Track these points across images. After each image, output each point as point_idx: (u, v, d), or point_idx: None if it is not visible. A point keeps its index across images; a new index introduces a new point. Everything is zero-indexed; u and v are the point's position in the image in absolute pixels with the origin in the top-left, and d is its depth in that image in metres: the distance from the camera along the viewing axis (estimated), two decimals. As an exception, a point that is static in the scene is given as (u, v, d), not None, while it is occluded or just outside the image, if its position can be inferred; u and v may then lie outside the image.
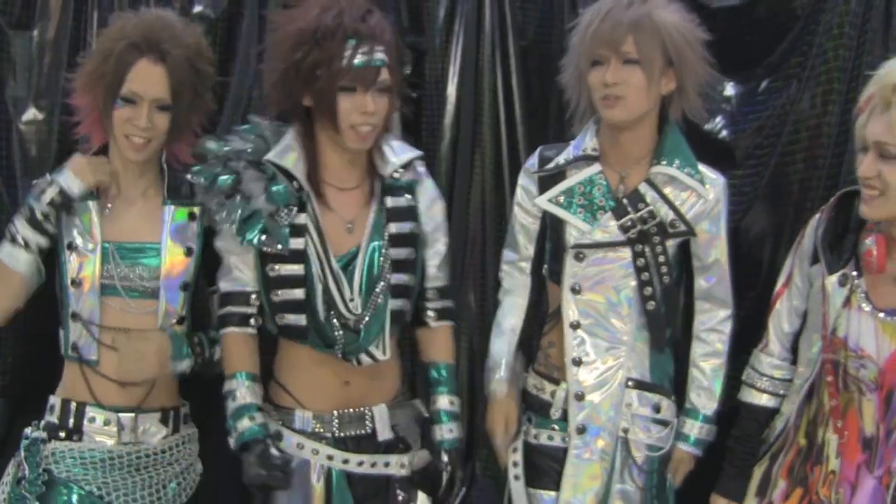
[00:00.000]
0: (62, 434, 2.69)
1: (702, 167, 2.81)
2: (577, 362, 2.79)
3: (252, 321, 2.73)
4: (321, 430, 2.73)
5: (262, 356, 2.81)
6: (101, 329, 2.68)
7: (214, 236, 2.76)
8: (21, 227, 2.68)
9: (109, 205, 2.71)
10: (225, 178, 2.63)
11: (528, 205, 2.89)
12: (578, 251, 2.77)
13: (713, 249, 2.83)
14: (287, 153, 2.67)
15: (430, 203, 2.85)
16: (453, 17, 3.51)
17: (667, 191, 2.77)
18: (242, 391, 2.68)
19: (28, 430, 2.74)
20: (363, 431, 2.75)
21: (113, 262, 2.67)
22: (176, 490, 2.78)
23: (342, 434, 2.73)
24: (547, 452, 2.84)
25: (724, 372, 2.87)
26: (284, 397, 2.77)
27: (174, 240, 2.73)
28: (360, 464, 2.73)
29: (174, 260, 2.73)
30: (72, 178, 2.66)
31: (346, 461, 2.71)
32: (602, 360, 2.79)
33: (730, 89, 3.37)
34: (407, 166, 2.78)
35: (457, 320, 2.95)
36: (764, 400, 2.77)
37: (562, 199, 2.80)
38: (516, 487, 2.85)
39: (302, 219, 2.66)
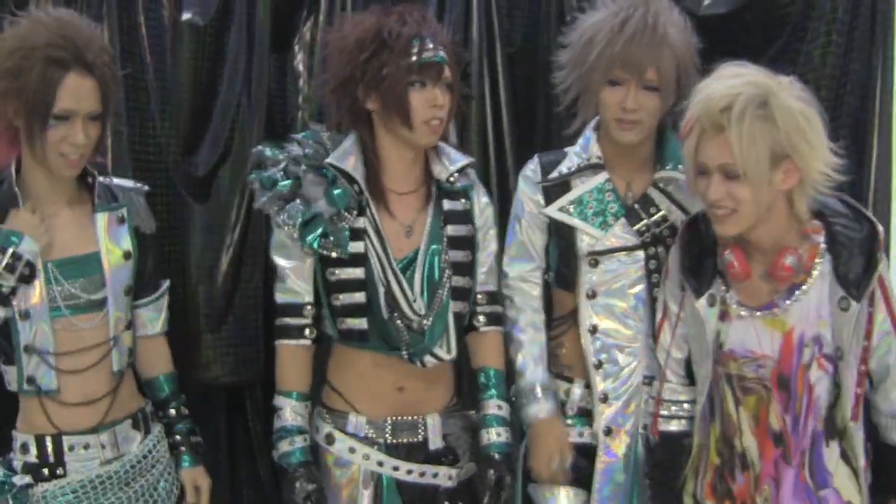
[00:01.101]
0: (45, 472, 2.61)
1: None
2: (598, 366, 2.83)
3: (307, 332, 2.74)
4: (374, 436, 2.74)
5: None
6: (57, 356, 2.58)
7: (141, 239, 2.75)
8: None
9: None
10: (285, 183, 2.66)
11: (535, 214, 2.90)
12: (593, 258, 2.82)
13: None
14: (347, 157, 2.69)
15: (483, 208, 2.86)
16: (441, 22, 3.51)
17: (673, 192, 2.83)
18: (288, 412, 2.72)
19: (0, 473, 2.63)
20: (415, 440, 2.76)
21: (55, 282, 2.57)
22: (166, 487, 2.76)
23: (394, 441, 2.74)
24: None
25: None
26: (338, 401, 2.78)
27: (112, 245, 2.67)
28: (410, 472, 2.73)
29: (116, 265, 2.65)
30: (31, 243, 2.52)
31: (395, 468, 2.72)
32: (621, 361, 2.83)
33: (717, 96, 3.38)
34: (461, 171, 2.81)
35: (505, 326, 2.92)
36: (673, 426, 2.76)
37: (571, 208, 2.84)
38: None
39: (361, 222, 2.67)
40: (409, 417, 2.76)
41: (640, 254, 2.82)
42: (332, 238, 2.64)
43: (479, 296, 2.84)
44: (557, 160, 2.90)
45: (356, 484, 2.71)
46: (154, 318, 2.84)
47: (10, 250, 2.50)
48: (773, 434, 2.54)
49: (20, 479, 2.59)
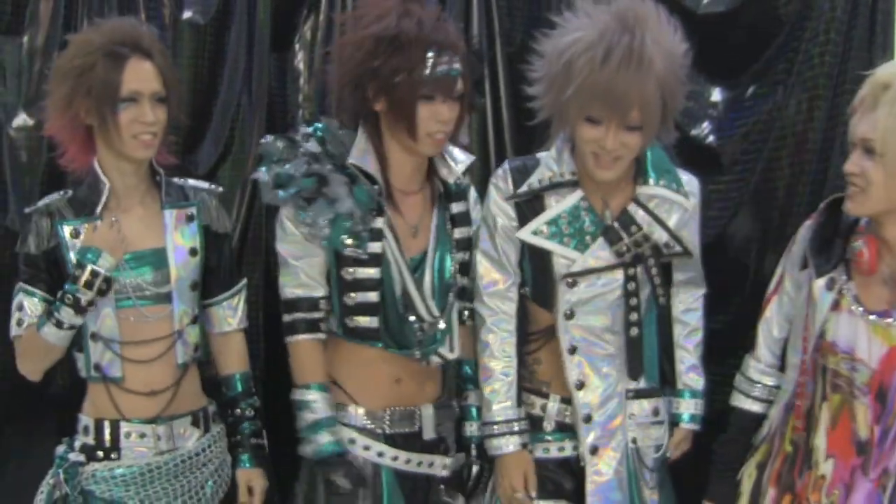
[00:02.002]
0: (100, 454, 2.70)
1: (679, 173, 2.77)
2: (580, 386, 2.76)
3: (322, 325, 2.75)
4: (373, 427, 2.75)
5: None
6: (122, 345, 2.68)
7: (211, 237, 2.79)
8: (67, 316, 2.58)
9: (114, 219, 2.67)
10: (308, 181, 2.64)
11: (508, 227, 2.76)
12: (571, 279, 2.72)
13: (688, 245, 2.80)
14: (366, 156, 2.67)
15: (475, 206, 2.87)
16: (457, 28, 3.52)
17: (655, 209, 2.72)
18: (320, 404, 2.70)
19: (61, 450, 2.74)
20: (412, 430, 2.78)
21: (123, 274, 2.66)
22: (213, 488, 2.79)
23: (392, 431, 2.76)
24: (543, 466, 2.81)
25: (703, 342, 2.89)
26: (338, 393, 2.77)
27: (179, 241, 2.74)
28: (408, 461, 2.76)
29: (182, 261, 2.73)
30: (107, 258, 2.59)
31: (395, 458, 2.75)
32: (601, 378, 2.77)
33: (716, 95, 3.39)
34: (465, 172, 2.82)
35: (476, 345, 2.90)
36: (750, 405, 2.78)
37: (545, 229, 2.72)
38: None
39: (380, 223, 2.67)
40: (406, 408, 2.78)
41: (620, 273, 2.71)
42: (353, 238, 2.64)
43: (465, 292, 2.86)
44: (529, 168, 2.76)
45: (359, 474, 2.71)
46: (229, 315, 2.88)
47: (89, 268, 2.57)
48: (857, 441, 2.50)
49: (75, 456, 2.70)
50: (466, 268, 2.81)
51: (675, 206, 2.74)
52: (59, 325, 2.59)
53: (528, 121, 3.52)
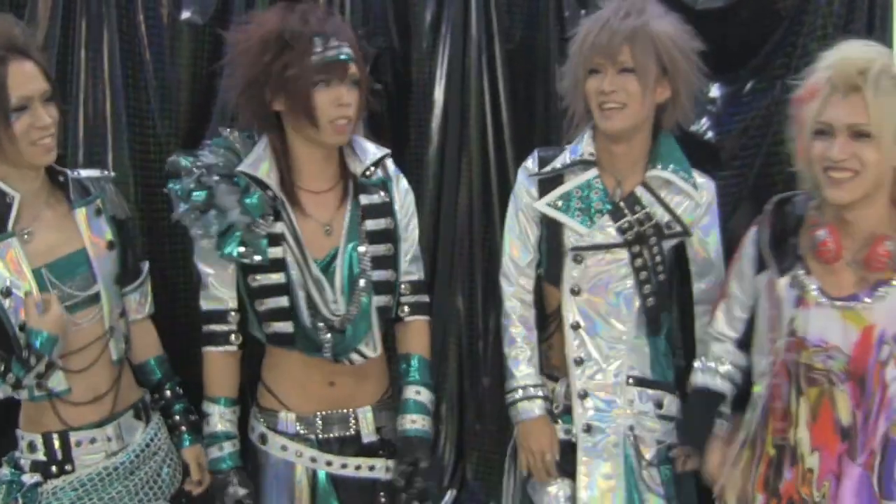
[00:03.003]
0: (54, 469, 2.64)
1: (694, 171, 2.87)
2: (579, 362, 2.83)
3: (233, 338, 2.76)
4: (305, 432, 2.75)
5: (250, 359, 2.84)
6: (63, 358, 2.59)
7: (119, 226, 2.75)
8: (2, 391, 2.57)
9: (26, 230, 2.57)
10: (199, 194, 2.63)
11: (530, 206, 2.90)
12: (577, 253, 2.82)
13: (708, 252, 2.90)
14: (260, 163, 2.67)
15: (403, 199, 2.84)
16: (440, 21, 3.53)
17: (662, 194, 2.83)
18: (216, 418, 2.75)
19: (6, 473, 2.65)
20: (346, 433, 2.77)
21: (50, 286, 2.57)
22: (170, 473, 2.79)
23: (325, 436, 2.75)
24: None
25: None
26: (270, 399, 2.79)
27: (95, 238, 2.67)
28: (344, 466, 2.75)
29: (101, 257, 2.67)
30: (59, 345, 2.53)
31: (329, 463, 2.74)
32: (603, 360, 2.83)
33: (715, 91, 3.39)
34: (377, 164, 2.79)
35: (431, 315, 2.94)
36: (710, 380, 2.79)
37: (560, 203, 2.84)
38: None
39: (278, 227, 2.67)
40: (340, 411, 2.77)
41: (624, 252, 2.81)
42: (249, 246, 2.64)
43: (402, 286, 2.84)
44: (555, 155, 2.91)
45: (291, 482, 2.73)
46: (140, 302, 2.86)
47: (45, 359, 2.52)
48: (840, 429, 2.51)
49: (29, 478, 2.62)
50: (389, 261, 2.77)
51: (683, 194, 2.84)
52: None
53: (527, 117, 3.58)
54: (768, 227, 2.64)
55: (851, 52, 2.42)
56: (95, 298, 2.65)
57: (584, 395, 2.82)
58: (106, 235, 2.70)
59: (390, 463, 2.79)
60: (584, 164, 2.85)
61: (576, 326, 2.83)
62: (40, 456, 2.64)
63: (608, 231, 2.81)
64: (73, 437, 2.65)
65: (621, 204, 2.82)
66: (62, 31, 3.42)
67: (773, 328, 2.59)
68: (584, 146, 2.87)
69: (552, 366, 2.94)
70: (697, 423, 2.79)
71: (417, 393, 2.82)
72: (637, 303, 2.82)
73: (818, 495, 2.52)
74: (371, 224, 2.74)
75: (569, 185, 2.86)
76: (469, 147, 3.56)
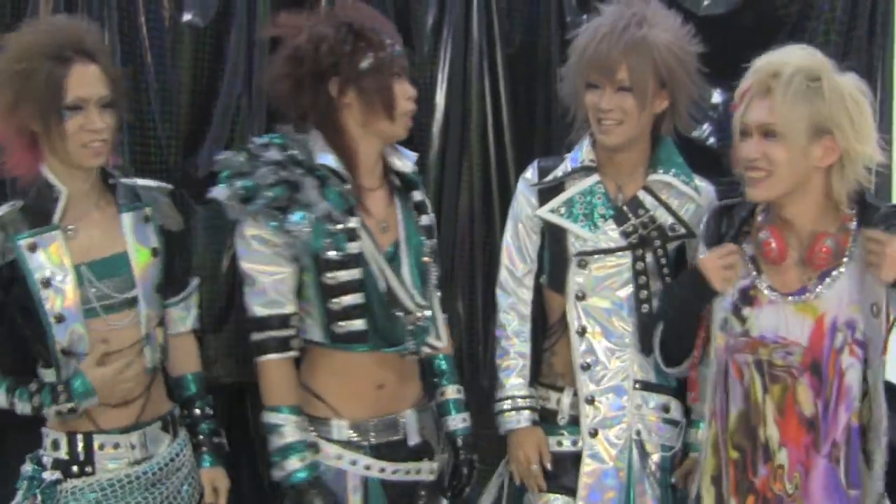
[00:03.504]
0: (75, 469, 2.63)
1: (694, 175, 2.89)
2: (586, 367, 2.83)
3: (293, 343, 2.65)
4: (358, 439, 2.69)
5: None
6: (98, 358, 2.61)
7: (168, 237, 2.75)
8: (22, 409, 2.61)
9: (71, 227, 2.61)
10: (279, 189, 2.56)
11: (531, 216, 2.91)
12: (581, 259, 2.83)
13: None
14: (327, 156, 2.62)
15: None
16: (441, 25, 3.53)
17: (664, 197, 2.84)
18: (290, 428, 2.60)
19: (29, 469, 2.66)
20: (396, 438, 2.73)
21: (88, 283, 2.58)
22: (189, 492, 2.76)
23: (377, 441, 2.70)
24: (556, 458, 2.87)
25: None
26: (319, 407, 2.70)
27: (139, 244, 2.67)
28: (395, 472, 2.71)
29: (144, 263, 2.67)
30: (93, 401, 2.58)
31: (382, 469, 2.69)
32: (609, 364, 2.84)
33: (717, 97, 3.40)
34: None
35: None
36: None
37: (562, 209, 2.86)
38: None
39: (354, 222, 2.61)
40: (389, 416, 2.72)
41: (628, 255, 2.83)
42: (332, 240, 2.58)
43: None
44: (555, 165, 2.92)
45: (344, 492, 2.66)
46: (183, 315, 2.84)
47: (72, 404, 2.56)
48: (804, 420, 2.53)
49: (49, 475, 2.62)
50: (436, 255, 2.81)
51: (685, 197, 2.86)
52: (10, 407, 2.62)
53: (527, 121, 3.58)
54: (707, 239, 2.67)
55: (776, 55, 2.48)
56: (133, 303, 2.65)
57: (591, 401, 2.82)
58: (151, 243, 2.70)
59: (434, 465, 2.79)
60: (586, 171, 2.87)
61: (581, 332, 2.84)
62: (62, 454, 2.64)
63: (612, 235, 2.82)
64: (98, 439, 2.64)
65: (624, 208, 2.83)
66: (63, 32, 3.41)
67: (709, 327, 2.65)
68: (584, 153, 2.88)
69: (556, 374, 2.92)
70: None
71: (458, 392, 2.89)
72: (635, 307, 2.83)
73: (790, 487, 2.55)
74: (425, 219, 2.79)
75: (571, 191, 2.87)
76: (470, 151, 3.56)
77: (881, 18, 3.21)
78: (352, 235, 2.60)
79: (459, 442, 2.84)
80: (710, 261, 2.59)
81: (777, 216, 2.56)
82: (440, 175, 3.59)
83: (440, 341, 2.77)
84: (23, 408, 2.60)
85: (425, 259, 2.74)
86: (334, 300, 2.62)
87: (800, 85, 2.40)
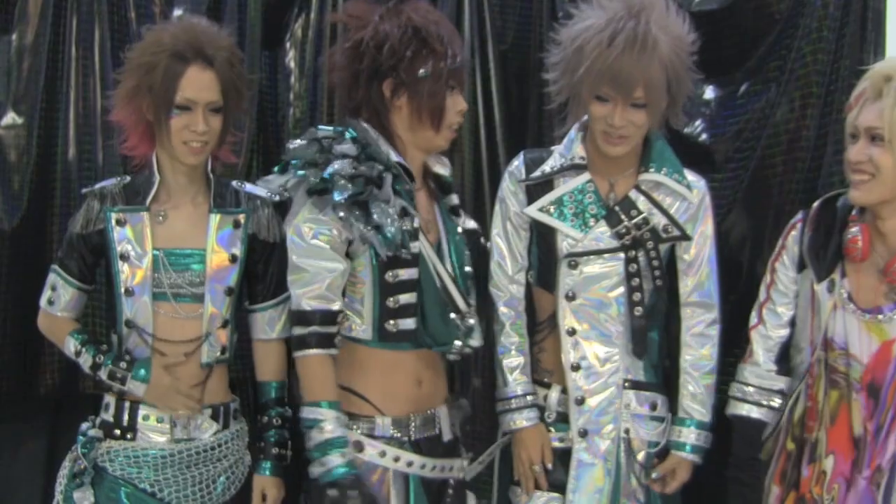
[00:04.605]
0: (117, 432, 2.73)
1: (685, 171, 2.85)
2: (576, 367, 2.80)
3: (337, 341, 2.65)
4: (399, 436, 2.68)
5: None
6: (155, 338, 2.71)
7: (258, 246, 2.78)
8: (84, 360, 2.76)
9: (162, 213, 2.74)
10: (360, 184, 2.57)
11: (519, 213, 2.86)
12: (572, 259, 2.78)
13: (699, 250, 2.86)
14: (391, 152, 2.65)
15: None
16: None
17: (657, 196, 2.81)
18: (330, 423, 2.57)
19: (84, 426, 2.77)
20: (433, 433, 2.74)
21: (163, 269, 2.70)
22: (224, 484, 2.78)
23: (417, 437, 2.70)
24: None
25: (715, 379, 2.85)
26: (361, 405, 2.68)
27: (219, 246, 2.74)
28: (433, 468, 2.71)
29: (219, 265, 2.74)
30: (140, 389, 2.69)
31: (423, 466, 2.68)
32: (599, 364, 2.81)
33: (709, 93, 3.39)
34: None
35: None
36: (753, 412, 2.78)
37: (552, 208, 2.81)
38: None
39: (416, 221, 2.64)
40: (427, 412, 2.73)
41: (620, 256, 2.78)
42: (403, 237, 2.59)
43: None
44: (542, 158, 2.88)
45: (387, 487, 2.65)
46: (270, 323, 2.84)
47: (124, 386, 2.70)
48: (853, 437, 2.53)
49: (93, 432, 2.74)
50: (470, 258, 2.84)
51: (677, 196, 2.82)
52: (76, 356, 2.78)
53: (520, 118, 3.57)
54: (811, 228, 2.67)
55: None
56: (201, 298, 2.73)
57: (581, 401, 2.80)
58: (233, 248, 2.76)
59: (464, 462, 2.81)
60: (575, 168, 2.83)
61: (571, 332, 2.81)
62: (109, 417, 2.75)
63: (603, 236, 2.78)
64: (143, 409, 2.73)
65: (616, 208, 2.79)
66: (53, 29, 3.42)
67: (811, 329, 2.63)
68: (574, 149, 2.84)
69: (543, 370, 2.90)
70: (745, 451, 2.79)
71: None
72: (627, 310, 2.80)
73: (828, 498, 2.54)
74: (461, 222, 2.82)
75: (560, 190, 2.83)
76: (461, 147, 3.54)
77: (873, 15, 3.19)
78: (415, 234, 2.63)
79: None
80: None
81: (872, 222, 2.56)
82: (432, 172, 3.58)
83: (478, 342, 2.76)
84: (85, 360, 2.75)
85: (467, 255, 2.77)
86: (391, 298, 2.63)
87: None
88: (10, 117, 3.45)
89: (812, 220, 2.68)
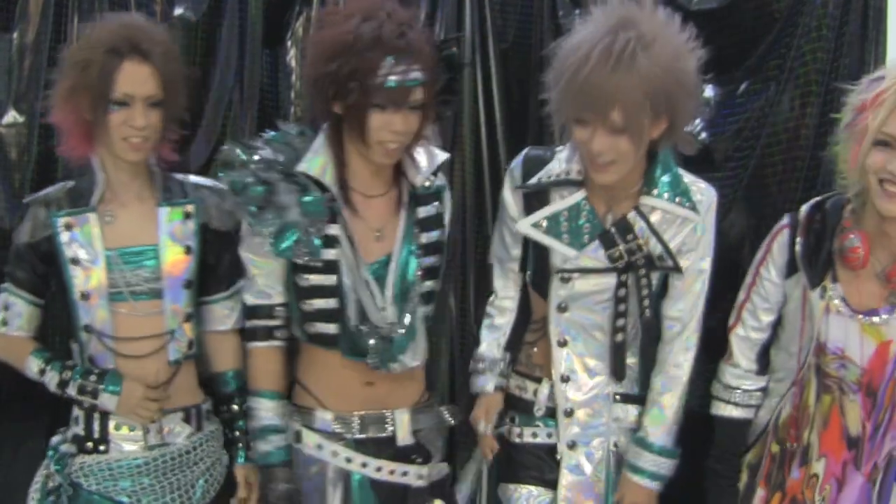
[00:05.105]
0: (89, 445, 2.72)
1: (693, 186, 2.73)
2: (565, 379, 2.78)
3: (278, 333, 2.74)
4: (341, 431, 2.71)
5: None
6: (115, 339, 2.69)
7: (210, 235, 2.79)
8: (50, 378, 2.74)
9: (109, 213, 2.71)
10: (257, 189, 2.61)
11: (513, 213, 2.81)
12: (565, 274, 2.74)
13: (693, 279, 2.77)
14: (317, 161, 2.64)
15: (449, 212, 2.85)
16: (434, 19, 3.51)
17: (655, 221, 2.70)
18: (263, 412, 2.72)
19: (55, 440, 2.77)
20: (383, 434, 2.73)
21: (117, 269, 2.68)
22: (204, 487, 2.78)
23: (362, 436, 2.71)
24: (531, 450, 2.85)
25: (683, 403, 2.80)
26: (306, 397, 2.76)
27: (172, 240, 2.74)
28: (379, 469, 2.70)
29: (174, 259, 2.73)
30: (111, 400, 2.68)
31: (364, 465, 2.70)
32: (589, 377, 2.79)
33: (709, 92, 3.39)
34: (436, 172, 2.78)
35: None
36: (734, 413, 2.80)
37: (545, 223, 2.74)
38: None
39: (334, 229, 2.63)
40: (378, 412, 2.73)
41: (612, 277, 2.71)
42: (304, 245, 2.61)
43: None
44: (543, 160, 2.78)
45: (323, 482, 2.69)
46: (225, 313, 2.87)
47: (94, 401, 2.68)
48: (848, 437, 2.55)
49: (65, 447, 2.73)
50: (437, 271, 2.77)
51: (680, 222, 2.70)
52: (40, 375, 2.75)
53: (521, 117, 3.57)
54: (803, 235, 2.65)
55: None
56: (160, 294, 2.72)
57: (569, 413, 2.78)
58: (186, 240, 2.75)
59: (424, 470, 2.75)
60: (572, 185, 2.72)
61: (563, 343, 2.78)
62: (80, 430, 2.74)
63: (597, 256, 2.71)
64: (113, 419, 2.71)
65: (612, 230, 2.70)
66: (54, 27, 3.39)
67: (802, 334, 2.63)
68: (574, 163, 2.71)
69: (534, 365, 2.89)
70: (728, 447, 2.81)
71: None
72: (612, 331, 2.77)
73: (819, 499, 2.55)
74: (426, 237, 2.73)
75: (555, 206, 2.73)
76: (462, 146, 3.55)
77: (873, 14, 3.19)
78: (330, 242, 2.62)
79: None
80: None
81: (874, 226, 2.53)
82: (432, 170, 3.58)
83: (414, 361, 2.70)
84: (51, 378, 2.72)
85: (418, 274, 2.70)
86: (305, 302, 2.66)
87: None
88: (11, 115, 3.43)
89: (803, 227, 2.66)
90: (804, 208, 2.69)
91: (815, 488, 2.57)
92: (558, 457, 2.79)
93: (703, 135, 3.38)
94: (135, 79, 2.61)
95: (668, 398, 2.78)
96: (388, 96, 2.50)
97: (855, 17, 3.17)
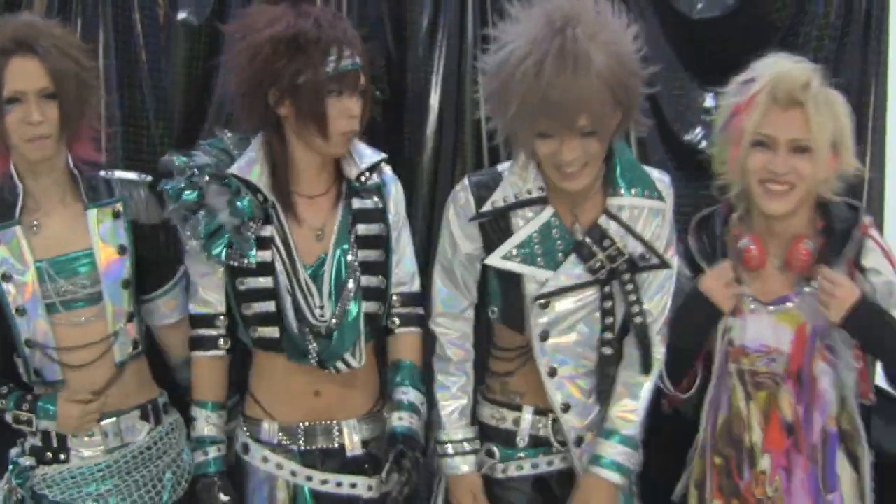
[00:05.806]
0: (49, 455, 2.69)
1: (653, 174, 2.66)
2: (566, 408, 2.64)
3: (221, 342, 2.72)
4: (287, 443, 2.69)
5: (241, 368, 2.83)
6: (59, 350, 2.65)
7: (141, 231, 2.77)
8: None
9: (35, 222, 2.65)
10: (189, 194, 2.61)
11: (471, 255, 2.67)
12: (544, 300, 2.59)
13: (660, 282, 2.68)
14: (252, 165, 2.62)
15: (396, 206, 2.78)
16: (436, 27, 3.52)
17: (627, 219, 2.59)
18: (202, 422, 2.71)
19: (14, 453, 2.74)
20: (330, 445, 2.69)
21: (49, 281, 2.63)
22: (172, 479, 2.78)
23: (308, 447, 2.68)
24: (518, 486, 2.72)
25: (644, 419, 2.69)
26: (255, 408, 2.74)
27: (105, 241, 2.68)
28: (324, 482, 2.67)
29: (109, 260, 2.68)
30: (49, 425, 2.66)
31: (309, 478, 2.67)
32: (587, 397, 2.67)
33: (709, 101, 3.38)
34: (373, 169, 2.74)
35: (425, 328, 2.81)
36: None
37: (515, 251, 2.59)
38: None
39: (268, 231, 2.63)
40: (324, 422, 2.69)
41: (594, 291, 2.60)
42: (237, 248, 2.60)
43: (393, 297, 2.76)
44: (490, 185, 2.63)
45: (273, 495, 2.67)
46: (171, 307, 2.85)
47: (31, 427, 2.66)
48: (785, 424, 2.57)
49: (24, 461, 2.69)
50: (379, 267, 2.71)
51: (650, 212, 2.62)
52: None
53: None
54: (696, 243, 2.69)
55: (790, 66, 2.51)
56: (99, 299, 2.67)
57: (579, 441, 2.66)
58: (118, 240, 2.70)
59: (373, 481, 2.68)
60: (535, 203, 2.60)
61: (552, 373, 2.62)
62: (37, 441, 2.70)
63: (576, 271, 2.57)
64: None
65: (587, 240, 2.57)
66: (58, 27, 3.41)
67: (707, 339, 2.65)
68: (530, 180, 2.59)
69: (511, 392, 2.72)
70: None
71: (405, 393, 2.71)
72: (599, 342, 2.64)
73: (770, 490, 2.59)
74: (362, 229, 2.69)
75: (524, 232, 2.59)
76: (464, 154, 3.54)
77: (875, 23, 3.20)
78: (264, 244, 2.62)
79: (397, 436, 2.65)
80: (712, 282, 2.59)
81: (762, 224, 2.58)
82: (433, 178, 3.57)
83: (356, 361, 2.64)
84: None
85: (355, 265, 2.66)
86: (246, 305, 2.65)
87: (825, 99, 2.45)
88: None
89: (698, 240, 2.69)
90: (694, 222, 2.73)
91: (765, 483, 2.58)
92: (545, 469, 2.71)
93: (704, 143, 3.38)
94: (22, 74, 2.54)
95: (629, 417, 2.67)
96: (342, 80, 2.53)
97: (856, 27, 3.18)
